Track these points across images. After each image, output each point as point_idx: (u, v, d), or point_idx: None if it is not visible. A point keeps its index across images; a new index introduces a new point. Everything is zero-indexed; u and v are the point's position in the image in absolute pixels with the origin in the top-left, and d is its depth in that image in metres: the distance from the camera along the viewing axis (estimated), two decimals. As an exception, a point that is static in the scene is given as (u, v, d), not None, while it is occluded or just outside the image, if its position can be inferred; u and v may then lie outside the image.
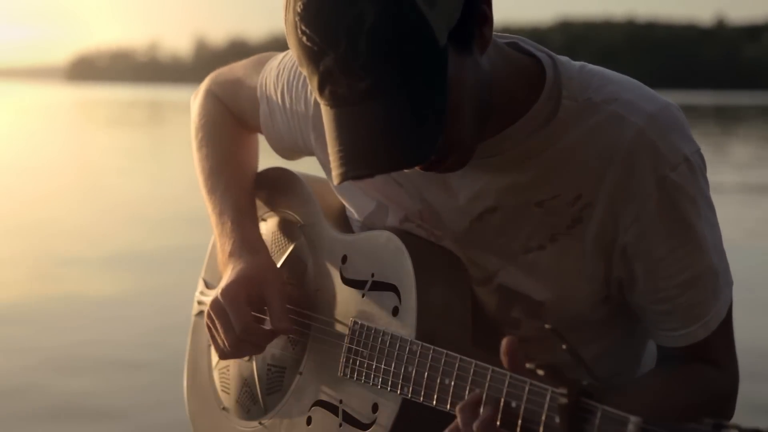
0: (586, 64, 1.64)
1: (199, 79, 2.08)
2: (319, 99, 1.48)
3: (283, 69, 1.85)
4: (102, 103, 56.80)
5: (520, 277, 1.66)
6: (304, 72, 1.47)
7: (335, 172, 1.45)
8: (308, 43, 1.44)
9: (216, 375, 1.96)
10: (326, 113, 1.48)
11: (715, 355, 1.66)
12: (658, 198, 1.58)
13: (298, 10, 1.44)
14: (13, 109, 46.72)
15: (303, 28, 1.44)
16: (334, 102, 1.46)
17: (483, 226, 1.66)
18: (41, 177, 15.75)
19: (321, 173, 1.87)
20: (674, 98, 1.63)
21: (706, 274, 1.62)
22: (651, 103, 1.60)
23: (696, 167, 1.60)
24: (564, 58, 1.63)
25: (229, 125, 1.97)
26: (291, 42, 1.47)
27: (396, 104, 1.43)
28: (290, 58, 1.85)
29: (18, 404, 5.09)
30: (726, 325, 1.66)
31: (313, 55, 1.44)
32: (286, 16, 1.47)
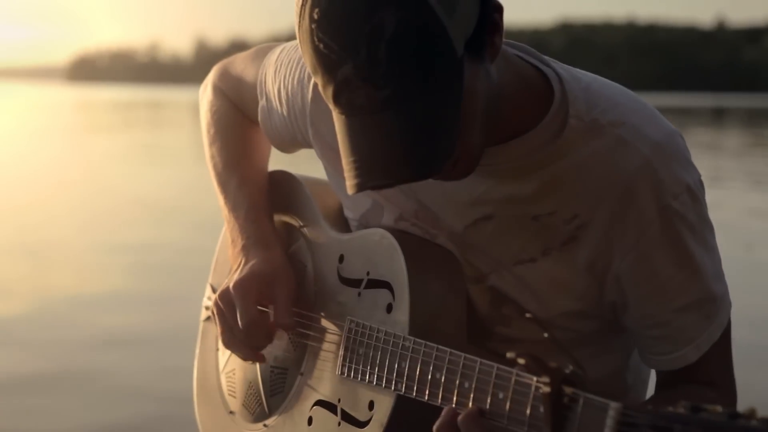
0: (591, 81, 1.64)
1: (199, 80, 2.09)
2: (333, 107, 1.47)
3: (281, 65, 1.85)
4: (103, 103, 56.71)
5: (510, 284, 1.68)
6: (319, 80, 1.46)
7: (350, 182, 1.45)
8: (325, 51, 1.42)
9: (223, 379, 1.98)
10: (340, 121, 1.47)
11: (710, 376, 1.67)
12: (660, 226, 1.59)
13: (315, 17, 1.43)
14: (14, 110, 46.63)
15: (320, 35, 1.42)
16: (351, 111, 1.45)
17: (476, 233, 1.68)
18: (42, 177, 15.74)
19: (320, 173, 1.89)
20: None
21: (703, 299, 1.63)
22: (657, 130, 1.61)
23: (697, 195, 1.61)
24: (568, 74, 1.63)
25: (240, 121, 1.99)
26: (305, 49, 1.46)
27: (413, 114, 1.43)
28: (287, 53, 1.85)
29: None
30: (721, 346, 1.67)
31: (330, 63, 1.43)
32: (300, 22, 1.46)
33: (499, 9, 1.50)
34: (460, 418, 1.46)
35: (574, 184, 1.60)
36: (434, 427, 1.50)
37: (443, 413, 1.50)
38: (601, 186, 1.59)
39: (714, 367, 1.67)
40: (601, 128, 1.60)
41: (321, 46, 1.43)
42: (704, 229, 1.63)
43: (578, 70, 1.67)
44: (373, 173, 1.44)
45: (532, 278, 1.65)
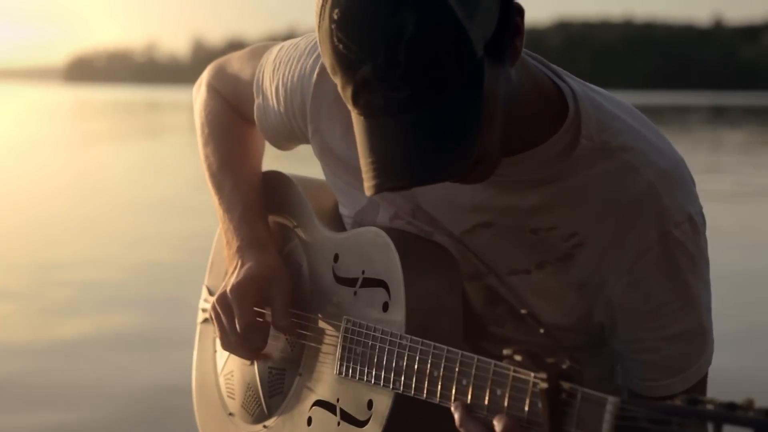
0: (602, 101, 1.63)
1: (196, 80, 2.08)
2: (351, 108, 1.46)
3: (279, 63, 1.84)
4: (100, 103, 56.68)
5: (505, 288, 1.68)
6: (338, 81, 1.45)
7: (369, 183, 1.44)
8: (345, 51, 1.41)
9: (222, 381, 1.98)
10: (359, 122, 1.46)
11: None
12: (659, 252, 1.59)
13: (335, 17, 1.42)
14: (12, 110, 46.61)
15: (340, 35, 1.41)
16: (369, 112, 1.44)
17: (473, 238, 1.68)
18: (40, 178, 15.74)
19: (318, 172, 1.89)
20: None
21: (695, 331, 1.64)
22: (664, 158, 1.61)
23: (698, 226, 1.61)
24: (582, 92, 1.62)
25: (234, 121, 1.98)
26: (324, 49, 1.45)
27: (432, 116, 1.42)
28: (286, 52, 1.84)
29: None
30: (703, 383, 1.67)
31: (349, 63, 1.42)
32: (320, 22, 1.45)
33: (521, 12, 1.49)
34: (498, 429, 1.45)
35: (577, 203, 1.60)
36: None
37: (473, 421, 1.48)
38: (603, 207, 1.59)
39: None
40: (610, 151, 1.59)
41: (341, 46, 1.42)
42: (701, 261, 1.63)
43: (590, 85, 1.67)
44: (392, 174, 1.43)
45: (523, 289, 1.66)
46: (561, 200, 1.60)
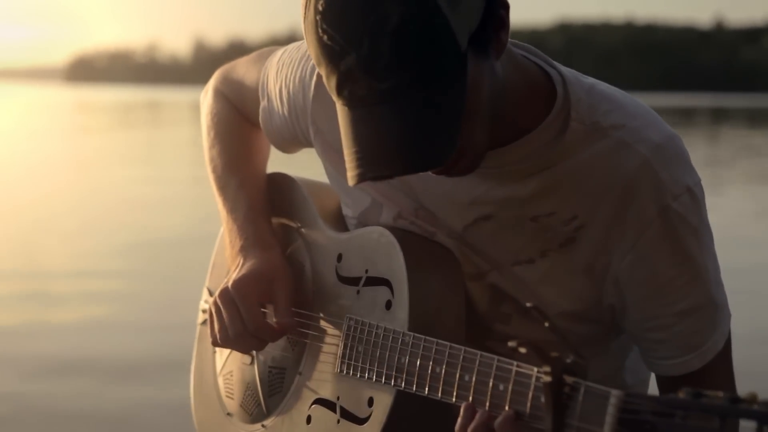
0: (594, 84, 1.64)
1: (198, 80, 2.11)
2: (336, 99, 1.48)
3: (282, 65, 1.85)
4: (101, 104, 56.69)
5: (509, 283, 1.68)
6: (322, 71, 1.46)
7: (351, 173, 1.45)
8: (329, 42, 1.43)
9: (221, 381, 1.98)
10: (343, 113, 1.47)
11: (712, 386, 1.62)
12: (660, 227, 1.58)
13: (320, 8, 1.43)
14: (13, 110, 46.62)
15: (324, 26, 1.43)
16: (353, 102, 1.45)
17: (476, 232, 1.68)
18: (40, 177, 15.74)
19: (320, 174, 1.89)
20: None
21: (706, 304, 1.62)
22: (657, 133, 1.61)
23: (698, 198, 1.60)
24: (572, 76, 1.63)
25: (240, 124, 1.99)
26: (310, 40, 1.46)
27: (415, 107, 1.43)
28: (289, 54, 1.85)
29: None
30: (723, 357, 1.66)
31: (333, 54, 1.43)
32: (305, 14, 1.46)
33: (506, 5, 1.50)
34: (497, 421, 1.45)
35: (573, 186, 1.60)
36: (469, 429, 1.49)
37: (478, 416, 1.48)
38: (600, 187, 1.59)
39: (714, 378, 1.66)
40: (602, 131, 1.59)
41: (325, 37, 1.43)
42: (704, 232, 1.62)
43: (584, 75, 1.67)
44: (375, 164, 1.44)
45: (530, 279, 1.66)
46: (558, 185, 1.60)
